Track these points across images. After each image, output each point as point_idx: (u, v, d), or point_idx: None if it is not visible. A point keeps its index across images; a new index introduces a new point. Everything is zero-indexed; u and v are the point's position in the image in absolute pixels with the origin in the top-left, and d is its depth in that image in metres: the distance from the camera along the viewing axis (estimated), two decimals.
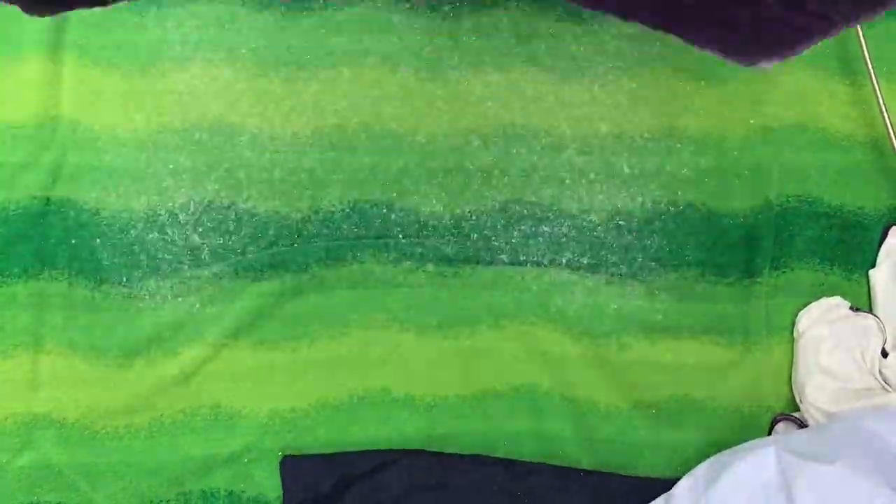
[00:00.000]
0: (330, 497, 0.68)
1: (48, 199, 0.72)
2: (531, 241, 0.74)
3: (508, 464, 0.71)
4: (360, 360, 0.72)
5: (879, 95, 0.79)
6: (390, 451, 0.70)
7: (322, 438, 0.70)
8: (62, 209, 0.72)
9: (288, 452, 0.69)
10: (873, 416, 0.70)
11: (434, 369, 0.72)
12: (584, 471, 0.71)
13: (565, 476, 0.71)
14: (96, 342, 0.70)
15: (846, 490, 0.64)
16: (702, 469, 0.69)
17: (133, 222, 0.72)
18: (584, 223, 0.75)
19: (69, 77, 0.75)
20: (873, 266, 0.79)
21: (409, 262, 0.74)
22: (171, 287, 0.72)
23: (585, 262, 0.75)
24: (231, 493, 0.68)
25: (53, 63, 0.75)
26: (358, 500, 0.68)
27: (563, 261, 0.75)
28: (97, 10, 0.74)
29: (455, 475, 0.69)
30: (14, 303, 0.70)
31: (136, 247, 0.72)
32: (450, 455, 0.70)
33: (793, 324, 0.77)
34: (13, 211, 0.72)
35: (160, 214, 0.72)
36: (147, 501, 0.68)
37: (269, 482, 0.69)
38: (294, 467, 0.68)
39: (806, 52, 0.81)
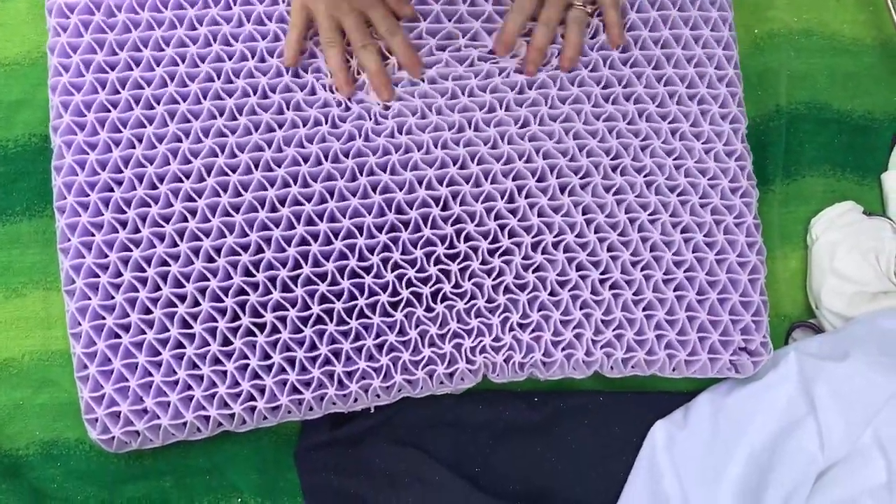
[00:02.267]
0: (349, 434, 0.68)
1: (47, 135, 0.70)
2: None
3: (522, 395, 0.71)
4: None
5: None
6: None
7: None
8: None
9: None
10: (888, 315, 0.70)
11: None
12: (601, 393, 0.71)
13: (581, 401, 0.71)
14: None
15: (864, 385, 0.65)
16: (725, 381, 0.70)
17: None
18: None
19: None
20: (885, 170, 0.78)
21: None
22: None
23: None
24: None
25: None
26: (378, 437, 0.68)
27: None
28: None
29: (470, 411, 0.69)
30: (19, 241, 0.69)
31: None
32: (465, 392, 0.70)
33: (806, 231, 0.76)
34: (12, 149, 0.71)
35: None
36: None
37: None
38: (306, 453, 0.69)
39: None
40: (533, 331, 0.66)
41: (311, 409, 0.64)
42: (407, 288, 0.65)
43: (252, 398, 0.63)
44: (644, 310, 0.68)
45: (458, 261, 0.66)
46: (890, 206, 0.77)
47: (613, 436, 0.69)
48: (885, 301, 0.72)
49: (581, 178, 0.68)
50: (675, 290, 0.68)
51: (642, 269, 0.68)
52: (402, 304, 0.65)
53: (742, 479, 0.64)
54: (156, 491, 0.68)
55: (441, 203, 0.66)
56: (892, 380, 0.65)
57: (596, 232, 0.67)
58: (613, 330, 0.67)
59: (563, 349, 0.66)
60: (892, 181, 0.77)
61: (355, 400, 0.65)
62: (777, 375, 0.67)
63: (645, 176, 0.69)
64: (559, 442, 0.69)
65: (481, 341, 0.65)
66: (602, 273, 0.67)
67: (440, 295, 0.65)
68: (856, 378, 0.65)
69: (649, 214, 0.69)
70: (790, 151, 0.77)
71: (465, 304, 0.66)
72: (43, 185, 0.70)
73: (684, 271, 0.68)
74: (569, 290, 0.67)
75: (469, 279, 0.66)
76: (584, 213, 0.68)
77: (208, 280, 0.63)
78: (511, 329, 0.66)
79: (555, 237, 0.67)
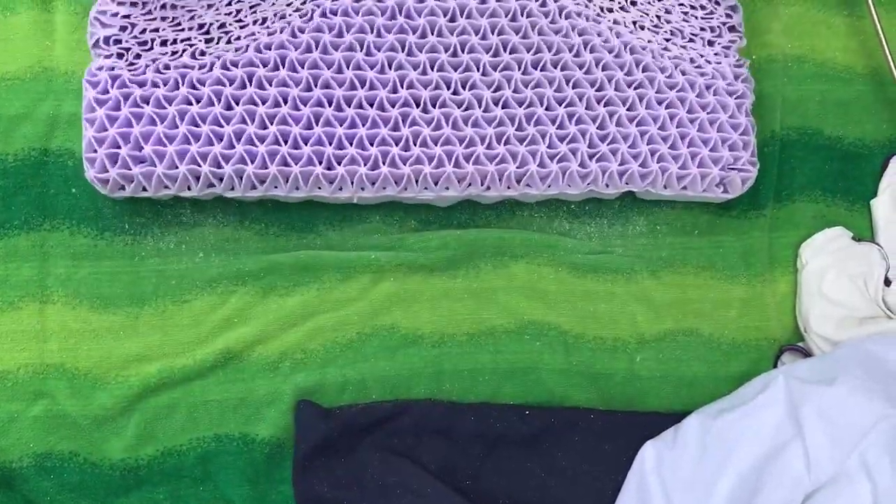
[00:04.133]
0: (342, 444, 0.68)
1: (46, 150, 0.71)
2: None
3: (514, 408, 0.71)
4: (369, 301, 0.72)
5: (878, 26, 0.79)
6: (401, 400, 0.70)
7: (331, 375, 0.70)
8: (60, 159, 0.71)
9: (299, 392, 0.69)
10: (876, 340, 0.71)
11: (441, 308, 0.73)
12: (592, 410, 0.72)
13: (572, 417, 0.71)
14: (102, 291, 0.70)
15: (850, 410, 0.65)
16: (714, 404, 0.70)
17: None
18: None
19: (62, 27, 0.74)
20: (874, 196, 0.79)
21: (415, 222, 0.74)
22: (175, 234, 0.72)
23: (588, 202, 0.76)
24: (244, 435, 0.69)
25: (46, 13, 0.74)
26: (371, 447, 0.68)
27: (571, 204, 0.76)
28: None
29: (460, 422, 0.70)
30: (16, 254, 0.70)
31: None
32: (457, 403, 0.71)
33: (796, 255, 0.77)
34: (11, 164, 0.71)
35: None
36: (161, 447, 0.68)
37: (282, 423, 0.69)
38: (308, 413, 0.68)
39: None
40: (529, 144, 0.70)
41: (297, 188, 0.68)
42: (407, 89, 0.69)
43: (243, 161, 0.67)
44: (637, 125, 0.72)
45: (459, 70, 0.70)
46: (879, 232, 0.78)
47: (603, 454, 0.70)
48: (873, 326, 0.73)
49: (576, 4, 0.73)
50: (666, 108, 0.72)
51: (635, 88, 0.72)
52: (400, 104, 0.69)
53: (729, 501, 0.64)
54: (149, 503, 0.68)
55: (448, 15, 0.70)
56: (879, 404, 0.65)
57: (592, 52, 0.72)
58: (608, 144, 0.70)
59: (559, 161, 0.70)
60: (881, 207, 0.78)
61: (340, 188, 0.68)
62: (765, 398, 0.68)
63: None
64: (549, 458, 0.70)
65: (474, 151, 0.69)
66: (597, 90, 0.72)
67: (438, 101, 0.69)
68: (843, 402, 0.66)
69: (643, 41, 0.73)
70: (782, 177, 0.78)
71: (463, 111, 0.69)
72: (41, 199, 0.70)
73: (676, 91, 0.72)
74: (565, 107, 0.71)
75: (469, 89, 0.70)
76: (580, 35, 0.72)
77: (225, 54, 0.68)
78: (507, 142, 0.70)
79: (553, 55, 0.71)
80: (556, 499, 0.69)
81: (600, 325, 0.74)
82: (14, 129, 0.72)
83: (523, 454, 0.70)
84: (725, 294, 0.76)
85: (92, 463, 0.68)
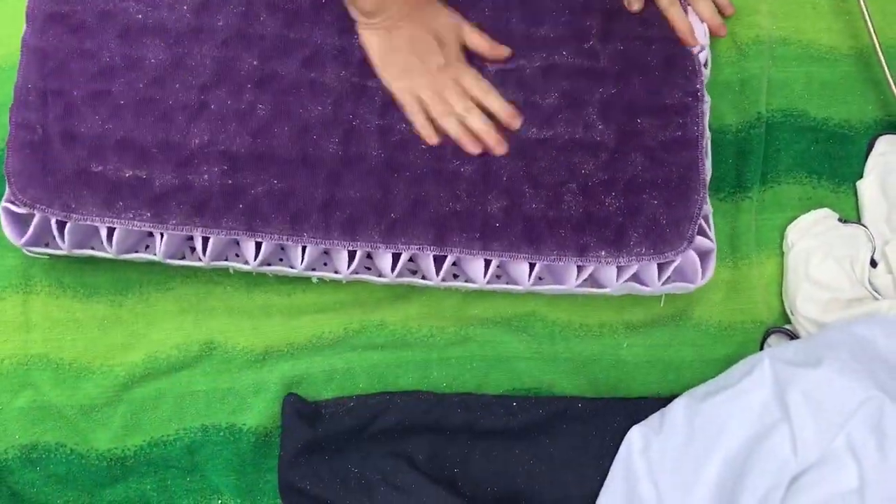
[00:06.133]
0: (327, 446, 0.68)
1: None
2: None
3: (501, 401, 0.71)
4: (357, 297, 0.72)
5: (863, 7, 0.78)
6: (387, 394, 0.70)
7: (318, 365, 0.70)
8: None
9: (285, 382, 0.69)
10: (861, 322, 0.71)
11: (430, 303, 0.73)
12: (579, 399, 0.72)
13: (559, 406, 0.71)
14: (86, 280, 0.70)
15: (836, 391, 0.65)
16: (701, 387, 0.70)
17: None
18: None
19: None
20: (861, 177, 0.79)
21: None
22: None
23: None
24: (231, 425, 0.69)
25: None
26: (356, 445, 0.69)
27: None
28: None
29: (448, 415, 0.70)
30: None
31: None
32: (444, 395, 0.71)
33: (782, 238, 0.77)
34: None
35: None
36: (148, 438, 0.68)
37: (268, 412, 0.69)
38: (295, 412, 0.68)
39: None
40: None
41: None
42: None
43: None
44: None
45: None
46: (865, 213, 0.78)
47: (590, 440, 0.70)
48: (859, 308, 0.73)
49: None
50: None
51: None
52: None
53: (717, 484, 0.65)
54: (136, 493, 0.68)
55: None
56: (865, 386, 0.65)
57: None
58: None
59: None
60: (866, 189, 0.78)
61: None
62: (751, 381, 0.68)
63: None
64: (537, 445, 0.70)
65: None
66: None
67: None
68: (829, 384, 0.66)
69: None
70: (767, 158, 0.78)
71: None
72: None
73: None
74: None
75: None
76: None
77: None
78: None
79: None
80: (543, 485, 0.69)
81: (586, 312, 0.74)
82: (1, 117, 0.71)
83: (511, 443, 0.70)
84: (712, 276, 0.75)
85: (78, 454, 0.68)
